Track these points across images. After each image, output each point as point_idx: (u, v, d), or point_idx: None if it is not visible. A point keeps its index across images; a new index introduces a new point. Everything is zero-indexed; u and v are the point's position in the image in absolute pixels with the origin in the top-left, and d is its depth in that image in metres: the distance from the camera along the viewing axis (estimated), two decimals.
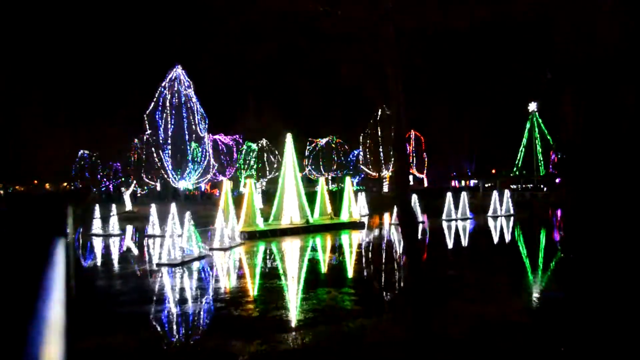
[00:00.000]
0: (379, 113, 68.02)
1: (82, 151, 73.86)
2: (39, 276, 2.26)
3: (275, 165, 72.34)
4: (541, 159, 77.79)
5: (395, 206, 25.81)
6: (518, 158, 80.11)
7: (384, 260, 19.86)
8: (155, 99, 54.16)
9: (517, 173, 79.10)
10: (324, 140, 75.74)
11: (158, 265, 18.55)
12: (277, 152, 70.55)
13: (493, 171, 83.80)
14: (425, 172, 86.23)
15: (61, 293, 2.33)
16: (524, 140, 79.43)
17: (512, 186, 66.04)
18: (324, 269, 18.13)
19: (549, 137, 75.94)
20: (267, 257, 21.39)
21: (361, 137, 70.92)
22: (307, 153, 74.97)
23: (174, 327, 10.65)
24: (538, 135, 78.40)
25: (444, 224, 33.17)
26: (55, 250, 2.34)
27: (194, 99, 55.26)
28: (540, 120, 78.48)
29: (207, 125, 57.41)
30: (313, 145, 76.21)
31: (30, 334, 2.21)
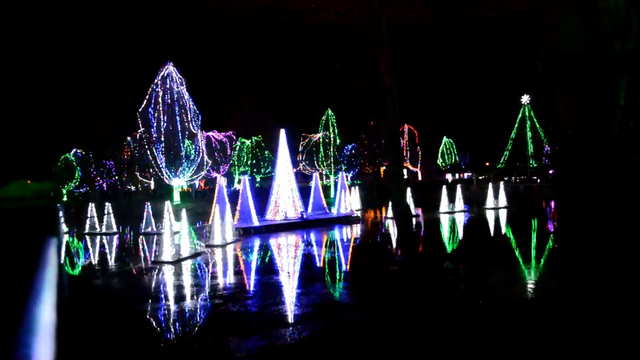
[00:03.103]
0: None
1: (74, 150, 73.48)
2: (31, 277, 2.27)
3: (269, 161, 72.36)
4: (532, 152, 78.08)
5: (389, 200, 25.91)
6: (507, 148, 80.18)
7: (379, 254, 19.94)
8: (147, 97, 53.95)
9: (503, 166, 79.12)
10: (317, 135, 75.66)
11: (154, 262, 18.56)
12: (271, 148, 70.49)
13: (487, 164, 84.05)
14: (419, 165, 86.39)
15: (53, 294, 2.35)
16: (513, 133, 79.59)
17: (505, 178, 66.27)
18: (319, 263, 18.20)
19: (540, 131, 76.23)
20: (263, 253, 21.43)
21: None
22: (301, 148, 74.89)
23: (172, 324, 10.69)
24: (529, 127, 78.62)
25: (440, 217, 33.30)
26: (47, 250, 2.36)
27: (187, 96, 55.08)
28: (532, 113, 78.67)
29: (200, 122, 57.24)
30: (307, 140, 76.13)
31: (21, 335, 2.23)
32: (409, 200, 31.66)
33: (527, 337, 8.77)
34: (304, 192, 33.93)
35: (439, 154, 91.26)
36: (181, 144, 54.70)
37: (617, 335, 8.26)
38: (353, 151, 75.08)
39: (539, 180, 65.71)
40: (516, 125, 78.75)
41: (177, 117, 54.43)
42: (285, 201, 30.82)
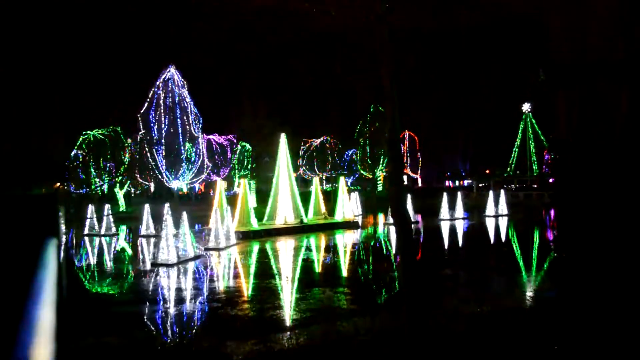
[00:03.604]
0: (372, 111, 67.80)
1: (75, 151, 73.38)
2: (30, 277, 2.25)
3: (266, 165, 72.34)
4: (535, 159, 78.22)
5: (389, 206, 25.88)
6: (512, 157, 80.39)
7: (378, 260, 19.90)
8: (149, 99, 54.01)
9: (511, 173, 79.33)
10: (318, 140, 75.76)
11: (153, 265, 18.52)
12: (271, 152, 70.51)
13: (487, 171, 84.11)
14: (419, 172, 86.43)
15: (52, 294, 2.33)
16: (518, 141, 79.72)
17: (505, 186, 66.25)
18: (318, 268, 18.15)
19: (542, 138, 76.40)
20: (262, 257, 21.38)
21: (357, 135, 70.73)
22: (301, 153, 74.99)
23: (169, 327, 10.65)
24: (532, 136, 78.78)
25: (439, 224, 33.26)
26: (46, 250, 2.34)
27: (188, 99, 55.15)
28: (534, 121, 78.85)
29: (201, 125, 57.29)
30: (307, 145, 76.23)
31: (20, 336, 2.21)
32: (409, 206, 31.62)
33: (526, 345, 8.73)
34: (304, 197, 33.90)
35: None
36: (182, 147, 54.70)
37: (617, 338, 8.22)
38: (353, 156, 75.14)
39: (536, 187, 65.71)
40: (519, 136, 78.85)
41: (178, 119, 54.48)
42: (285, 205, 30.79)
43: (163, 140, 53.52)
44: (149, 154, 54.80)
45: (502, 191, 40.74)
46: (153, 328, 10.66)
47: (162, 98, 53.73)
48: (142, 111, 54.16)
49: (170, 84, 53.97)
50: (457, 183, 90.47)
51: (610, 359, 8.10)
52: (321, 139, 75.44)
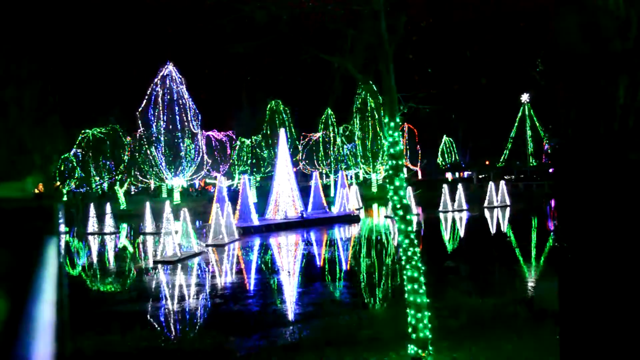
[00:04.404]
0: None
1: (74, 149, 73.28)
2: (30, 277, 2.27)
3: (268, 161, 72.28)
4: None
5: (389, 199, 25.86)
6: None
7: (378, 253, 19.93)
8: (147, 97, 53.89)
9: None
10: (317, 135, 75.62)
11: (155, 262, 18.54)
12: (270, 148, 70.45)
13: (487, 162, 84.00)
14: (419, 164, 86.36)
15: (53, 293, 2.34)
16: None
17: (505, 177, 66.17)
18: (319, 263, 18.19)
19: (540, 130, 76.28)
20: (263, 252, 21.42)
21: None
22: (300, 148, 74.87)
23: (174, 323, 10.68)
24: (529, 126, 78.65)
25: (440, 216, 33.27)
26: (46, 250, 2.35)
27: (186, 96, 55.02)
28: (532, 112, 78.70)
29: (200, 122, 57.20)
30: (307, 139, 76.11)
31: (21, 336, 2.22)
32: (410, 199, 31.62)
33: (528, 335, 8.76)
34: (304, 192, 33.91)
35: (439, 153, 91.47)
36: (181, 144, 54.64)
37: (617, 334, 8.23)
38: (353, 150, 75.01)
39: (538, 178, 65.63)
40: (516, 124, 78.67)
41: (177, 116, 54.39)
42: (285, 200, 30.79)
43: (162, 138, 53.46)
44: (148, 151, 54.77)
45: (502, 182, 40.72)
46: (158, 324, 10.70)
47: (160, 95, 53.64)
48: (140, 109, 54.08)
49: (168, 81, 53.86)
50: (457, 175, 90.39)
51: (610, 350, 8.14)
52: (320, 133, 75.33)
